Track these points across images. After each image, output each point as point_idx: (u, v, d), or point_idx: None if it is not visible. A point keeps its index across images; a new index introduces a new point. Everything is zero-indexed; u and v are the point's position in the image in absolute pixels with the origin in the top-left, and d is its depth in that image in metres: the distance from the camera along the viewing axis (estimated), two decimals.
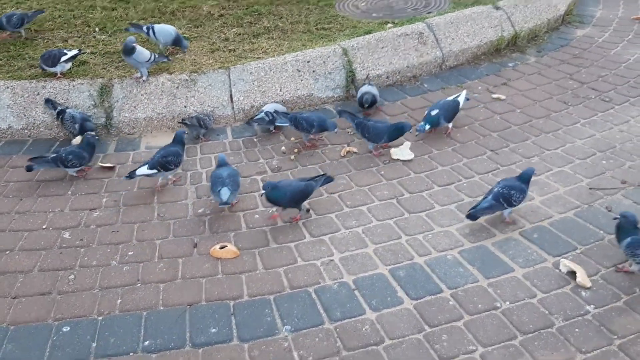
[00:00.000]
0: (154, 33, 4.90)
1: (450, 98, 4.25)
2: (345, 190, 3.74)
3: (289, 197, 3.39)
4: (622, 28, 5.86)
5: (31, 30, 5.56)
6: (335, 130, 4.15)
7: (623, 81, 4.81)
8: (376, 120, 4.14)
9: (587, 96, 4.64)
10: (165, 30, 4.94)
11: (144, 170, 3.72)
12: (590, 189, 3.59)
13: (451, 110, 4.15)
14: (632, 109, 4.41)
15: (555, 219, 3.37)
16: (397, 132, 4.01)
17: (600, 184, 3.63)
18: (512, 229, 3.30)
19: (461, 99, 4.23)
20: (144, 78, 4.47)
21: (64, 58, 4.55)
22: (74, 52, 4.65)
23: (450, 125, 4.17)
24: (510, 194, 3.27)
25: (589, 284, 2.89)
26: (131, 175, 3.74)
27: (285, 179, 3.74)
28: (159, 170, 3.73)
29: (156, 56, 4.57)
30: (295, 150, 4.18)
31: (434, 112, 4.08)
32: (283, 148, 4.22)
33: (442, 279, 2.99)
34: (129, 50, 4.43)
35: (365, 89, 4.48)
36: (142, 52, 4.47)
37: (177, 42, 4.95)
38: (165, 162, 3.75)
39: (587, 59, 5.25)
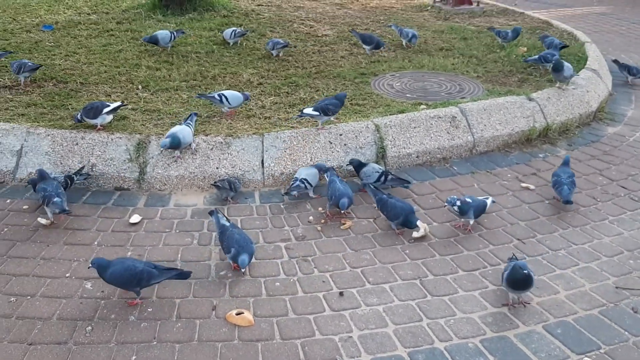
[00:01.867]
0: (227, 100, 5.08)
1: (480, 198, 4.20)
2: (368, 266, 3.72)
3: (117, 279, 3.28)
4: None
5: (77, 83, 5.76)
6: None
7: None
8: (397, 199, 4.14)
9: (617, 194, 4.63)
10: (235, 95, 5.15)
11: (309, 110, 4.81)
12: (617, 287, 3.53)
13: (481, 209, 4.11)
14: None
15: (580, 315, 3.30)
16: (410, 218, 4.01)
17: (627, 283, 3.57)
18: (535, 322, 3.23)
19: (488, 202, 4.18)
20: (194, 146, 4.63)
21: (106, 110, 4.68)
22: (117, 104, 4.79)
23: (472, 222, 4.09)
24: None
25: None
26: (301, 114, 4.85)
27: (129, 258, 3.53)
28: (319, 114, 4.75)
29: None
30: (322, 221, 4.20)
31: (467, 199, 4.05)
32: (311, 217, 4.23)
33: None
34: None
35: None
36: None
37: (245, 100, 5.21)
38: (327, 108, 4.82)
39: (618, 157, 5.26)
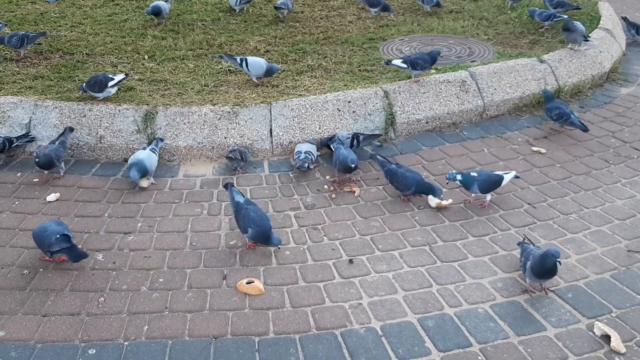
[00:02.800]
0: (246, 65, 5.06)
1: (497, 172, 4.00)
2: (378, 233, 3.71)
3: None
4: None
5: (83, 54, 5.74)
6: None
7: None
8: (407, 168, 4.11)
9: (630, 156, 4.57)
10: (257, 63, 5.09)
11: (398, 62, 4.94)
12: (629, 251, 3.51)
13: (491, 184, 3.91)
14: None
15: (591, 279, 3.29)
16: (424, 190, 3.97)
17: (639, 246, 3.54)
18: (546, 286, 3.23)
19: (508, 177, 3.96)
20: (151, 180, 4.30)
21: (111, 83, 4.66)
22: (121, 76, 4.77)
23: (488, 198, 3.97)
24: None
25: (623, 350, 2.80)
26: (388, 62, 5.03)
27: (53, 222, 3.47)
28: (407, 66, 4.87)
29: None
30: (332, 188, 4.19)
31: (473, 173, 3.94)
32: (326, 186, 4.22)
33: (471, 333, 2.93)
34: None
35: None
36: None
37: (269, 73, 5.11)
38: (416, 62, 4.87)
39: (631, 118, 5.18)
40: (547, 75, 5.42)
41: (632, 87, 5.87)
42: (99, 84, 4.64)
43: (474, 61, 5.64)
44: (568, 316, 3.03)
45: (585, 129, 4.77)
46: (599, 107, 5.42)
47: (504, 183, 3.95)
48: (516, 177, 4.05)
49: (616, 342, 2.82)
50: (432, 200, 3.99)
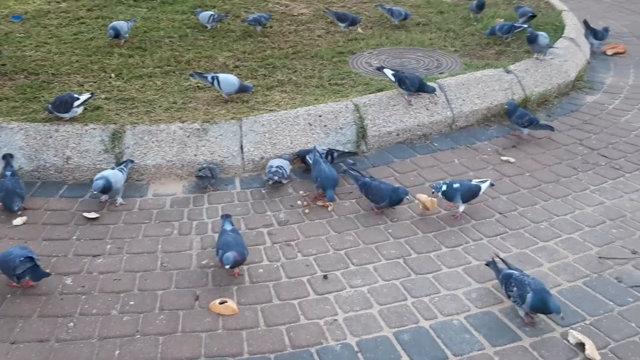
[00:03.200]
0: (218, 83, 5.02)
1: (474, 182, 4.04)
2: (352, 247, 3.70)
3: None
4: (633, 96, 5.89)
5: (49, 74, 5.65)
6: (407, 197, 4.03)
7: (633, 149, 4.81)
8: (380, 181, 4.12)
9: (597, 163, 4.64)
10: (229, 80, 5.05)
11: (389, 72, 4.96)
12: (600, 257, 3.55)
13: (471, 194, 3.97)
14: None
15: (564, 287, 3.31)
16: (396, 197, 3.97)
17: (610, 253, 3.59)
18: None
19: (484, 186, 4.02)
20: (119, 200, 4.22)
21: (76, 103, 4.59)
22: (87, 95, 4.70)
23: (462, 208, 3.98)
24: None
25: (598, 357, 2.81)
26: (379, 69, 5.08)
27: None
28: (395, 81, 4.93)
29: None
30: (305, 203, 4.16)
31: (455, 184, 3.95)
32: (299, 201, 4.20)
33: (447, 345, 2.92)
34: None
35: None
36: None
37: (241, 90, 5.08)
38: (403, 80, 4.89)
39: (597, 126, 5.27)
40: (513, 85, 5.49)
41: (597, 94, 5.97)
42: (64, 104, 4.56)
43: (442, 73, 5.69)
44: (542, 325, 3.04)
45: (552, 129, 4.96)
46: (565, 115, 5.50)
47: (481, 192, 3.99)
48: (491, 185, 4.10)
49: (590, 350, 2.84)
50: (422, 196, 4.04)
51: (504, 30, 6.40)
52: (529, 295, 2.96)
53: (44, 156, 4.46)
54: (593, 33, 7.00)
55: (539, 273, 3.41)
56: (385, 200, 3.97)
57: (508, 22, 6.66)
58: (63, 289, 3.34)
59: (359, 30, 7.00)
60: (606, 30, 7.06)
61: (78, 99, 4.61)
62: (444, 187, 3.93)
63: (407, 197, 3.97)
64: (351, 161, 4.61)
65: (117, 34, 6.34)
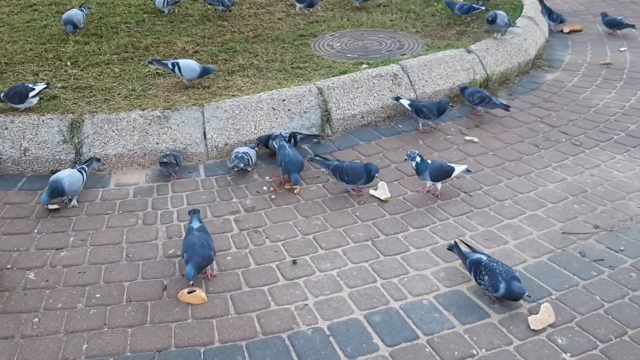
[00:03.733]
0: (179, 69, 4.92)
1: (450, 164, 4.04)
2: (320, 231, 3.70)
3: None
4: (591, 73, 6.00)
5: (1, 63, 5.47)
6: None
7: (593, 125, 4.91)
8: (350, 162, 4.13)
9: (558, 140, 4.72)
10: (190, 66, 4.96)
11: (405, 102, 4.83)
12: (564, 233, 3.62)
13: (442, 173, 3.96)
14: (602, 154, 4.48)
15: (529, 263, 3.37)
16: (369, 173, 3.98)
17: (573, 228, 3.66)
18: None
19: (459, 169, 4.01)
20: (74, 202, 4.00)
21: (32, 93, 4.46)
22: (42, 85, 4.56)
23: (439, 186, 4.01)
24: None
25: (538, 327, 2.90)
26: (397, 99, 4.90)
27: None
28: (412, 110, 4.80)
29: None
30: (272, 189, 4.14)
31: (428, 161, 3.96)
32: (265, 187, 4.17)
33: (418, 325, 2.95)
34: None
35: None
36: None
37: (204, 74, 5.00)
38: (420, 109, 4.76)
39: (557, 103, 5.35)
40: (475, 65, 5.54)
41: (556, 72, 6.06)
42: (18, 94, 4.43)
43: (404, 54, 5.70)
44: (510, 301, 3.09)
45: (507, 108, 5.00)
46: (526, 94, 5.57)
47: (454, 174, 4.00)
48: (468, 170, 4.11)
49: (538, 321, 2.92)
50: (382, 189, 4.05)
51: (463, 10, 6.44)
52: (502, 286, 2.98)
53: (0, 148, 4.33)
54: (548, 12, 7.08)
55: (505, 250, 3.47)
56: (362, 178, 3.97)
57: (467, 2, 6.70)
58: (26, 284, 3.26)
59: (319, 11, 6.95)
60: (561, 18, 7.13)
61: (33, 89, 4.48)
62: (418, 159, 3.95)
63: (377, 174, 4.00)
64: (315, 140, 4.61)
65: (75, 27, 6.16)
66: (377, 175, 4.00)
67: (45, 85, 4.61)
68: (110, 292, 3.19)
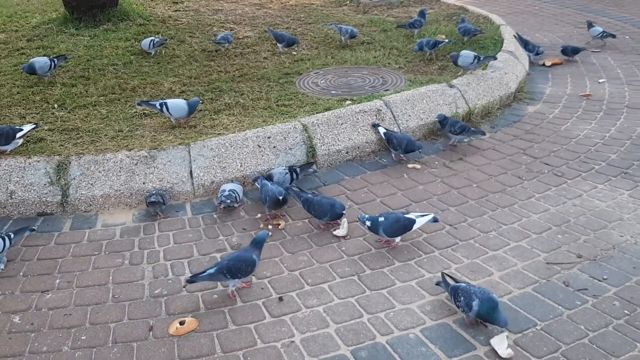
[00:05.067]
0: (167, 109, 4.99)
1: (409, 216, 3.85)
2: (306, 267, 3.71)
3: None
4: (571, 104, 6.11)
5: None
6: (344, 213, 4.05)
7: (574, 156, 4.98)
8: (322, 196, 4.18)
9: (541, 171, 4.78)
10: (178, 105, 5.04)
11: (381, 129, 4.97)
12: (547, 263, 3.64)
13: (399, 228, 3.80)
14: (584, 184, 4.54)
15: (514, 294, 3.39)
16: (334, 211, 4.00)
17: (556, 258, 3.69)
18: None
19: (423, 220, 3.84)
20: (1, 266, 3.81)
21: (19, 134, 4.49)
22: (30, 126, 4.60)
23: (397, 240, 3.86)
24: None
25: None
26: (375, 125, 5.09)
27: None
28: (386, 140, 4.98)
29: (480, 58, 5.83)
30: (261, 226, 4.15)
31: (380, 218, 3.82)
32: (261, 225, 4.18)
33: None
34: None
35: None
36: None
37: (192, 112, 5.08)
38: (392, 138, 4.90)
39: (539, 135, 5.44)
40: (457, 99, 5.63)
41: (538, 104, 6.17)
42: (5, 135, 4.46)
43: (387, 90, 5.80)
44: (496, 332, 3.09)
45: (484, 134, 5.24)
46: (508, 126, 5.66)
47: (415, 227, 3.83)
48: (434, 220, 3.88)
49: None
50: (343, 227, 4.06)
51: (430, 45, 6.61)
52: (475, 303, 3.04)
53: None
54: (524, 43, 7.24)
55: (490, 282, 3.49)
56: (327, 214, 4.00)
57: (462, 38, 6.92)
58: (11, 328, 3.24)
59: (303, 50, 7.07)
60: (537, 49, 7.29)
61: (21, 129, 4.52)
62: (368, 223, 3.82)
63: (344, 212, 4.02)
64: (312, 170, 4.72)
65: (32, 71, 6.05)
66: (344, 212, 4.02)
67: (34, 126, 4.65)
68: (96, 334, 3.18)
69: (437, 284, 3.41)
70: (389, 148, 5.01)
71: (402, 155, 5.01)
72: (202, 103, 5.56)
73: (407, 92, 5.52)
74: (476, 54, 5.98)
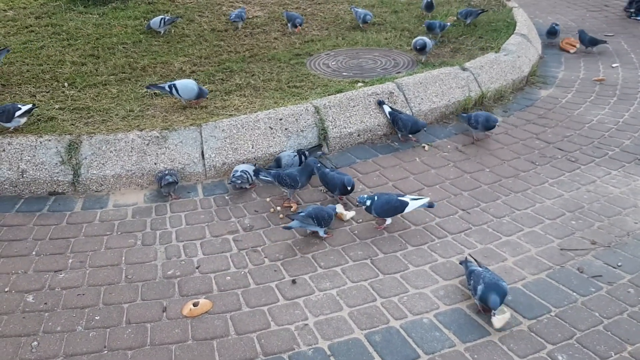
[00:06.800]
0: (177, 91, 4.94)
1: (402, 198, 3.84)
2: (318, 250, 3.70)
3: None
4: (584, 89, 6.05)
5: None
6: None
7: (587, 141, 4.94)
8: (338, 172, 4.22)
9: (554, 156, 4.74)
10: (187, 87, 4.97)
11: (387, 108, 4.92)
12: (562, 249, 3.63)
13: (389, 209, 3.80)
14: (598, 169, 4.51)
15: (528, 280, 3.38)
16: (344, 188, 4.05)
17: (570, 244, 3.67)
18: None
19: (416, 204, 3.83)
20: None
21: (18, 113, 4.47)
22: (28, 106, 4.57)
23: (388, 221, 3.87)
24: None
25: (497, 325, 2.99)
26: (380, 103, 5.01)
27: None
28: (391, 120, 4.94)
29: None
30: (271, 210, 4.14)
31: (375, 198, 3.80)
32: (271, 209, 4.16)
33: (418, 344, 2.94)
34: None
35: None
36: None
37: (200, 96, 5.02)
38: (398, 119, 4.89)
39: (552, 119, 5.39)
40: (470, 83, 5.58)
41: (550, 88, 6.11)
42: (6, 113, 4.44)
43: (399, 72, 5.74)
44: (510, 319, 3.09)
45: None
46: (521, 110, 5.61)
47: (408, 210, 3.81)
48: (429, 205, 3.89)
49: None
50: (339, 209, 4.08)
51: (441, 27, 6.56)
52: (479, 287, 3.05)
53: None
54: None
55: (504, 267, 3.47)
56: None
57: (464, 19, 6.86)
58: (25, 307, 3.24)
59: (297, 30, 6.98)
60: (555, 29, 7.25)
61: (20, 108, 4.49)
62: (368, 202, 3.81)
63: (350, 187, 4.04)
64: (320, 152, 4.73)
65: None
66: (349, 187, 4.03)
67: (31, 106, 4.59)
68: (109, 314, 3.18)
69: (461, 263, 3.43)
70: (394, 128, 5.00)
71: (411, 136, 4.99)
72: (213, 83, 5.52)
73: (419, 75, 5.47)
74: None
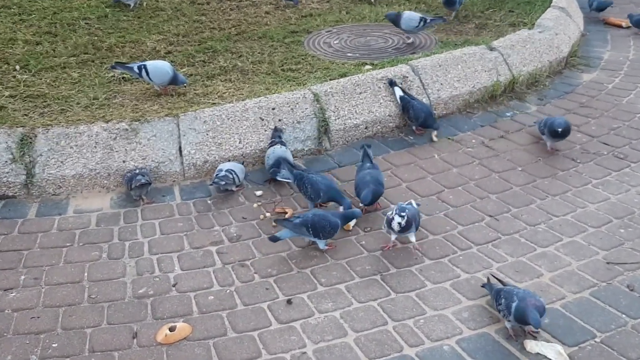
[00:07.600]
0: (147, 73, 4.93)
1: (414, 205, 3.83)
2: (319, 264, 3.70)
3: None
4: (635, 72, 6.07)
5: None
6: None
7: (638, 135, 4.94)
8: (317, 174, 4.25)
9: (599, 152, 4.75)
10: (160, 69, 4.96)
11: (398, 91, 5.03)
12: (608, 263, 3.63)
13: (418, 218, 3.79)
14: None
15: (568, 299, 3.38)
16: (334, 197, 4.09)
17: (619, 257, 3.67)
18: None
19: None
20: None
21: None
22: None
23: (412, 238, 3.81)
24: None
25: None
26: (392, 83, 5.05)
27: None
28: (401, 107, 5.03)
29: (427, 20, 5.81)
30: (261, 216, 4.15)
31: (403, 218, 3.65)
32: (261, 216, 4.16)
33: None
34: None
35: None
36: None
37: (174, 81, 5.00)
38: (409, 107, 4.94)
39: (597, 109, 5.40)
40: (498, 65, 5.59)
41: (594, 72, 6.13)
42: None
43: (414, 53, 5.76)
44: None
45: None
46: (559, 98, 5.62)
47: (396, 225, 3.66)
48: (417, 204, 3.91)
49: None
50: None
51: (460, 1, 6.56)
52: (514, 305, 3.04)
53: None
54: None
55: (539, 285, 3.47)
56: (320, 195, 4.08)
57: None
58: None
59: (313, 3, 7.00)
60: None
61: None
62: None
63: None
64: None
65: None
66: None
67: None
68: (69, 341, 3.18)
69: (483, 286, 3.41)
70: (404, 116, 5.02)
71: (420, 129, 5.03)
72: (193, 66, 5.54)
73: (438, 56, 5.48)
74: (422, 15, 5.97)
